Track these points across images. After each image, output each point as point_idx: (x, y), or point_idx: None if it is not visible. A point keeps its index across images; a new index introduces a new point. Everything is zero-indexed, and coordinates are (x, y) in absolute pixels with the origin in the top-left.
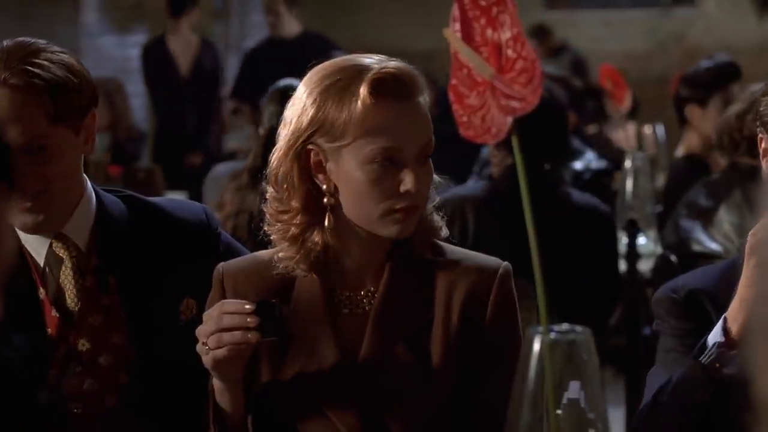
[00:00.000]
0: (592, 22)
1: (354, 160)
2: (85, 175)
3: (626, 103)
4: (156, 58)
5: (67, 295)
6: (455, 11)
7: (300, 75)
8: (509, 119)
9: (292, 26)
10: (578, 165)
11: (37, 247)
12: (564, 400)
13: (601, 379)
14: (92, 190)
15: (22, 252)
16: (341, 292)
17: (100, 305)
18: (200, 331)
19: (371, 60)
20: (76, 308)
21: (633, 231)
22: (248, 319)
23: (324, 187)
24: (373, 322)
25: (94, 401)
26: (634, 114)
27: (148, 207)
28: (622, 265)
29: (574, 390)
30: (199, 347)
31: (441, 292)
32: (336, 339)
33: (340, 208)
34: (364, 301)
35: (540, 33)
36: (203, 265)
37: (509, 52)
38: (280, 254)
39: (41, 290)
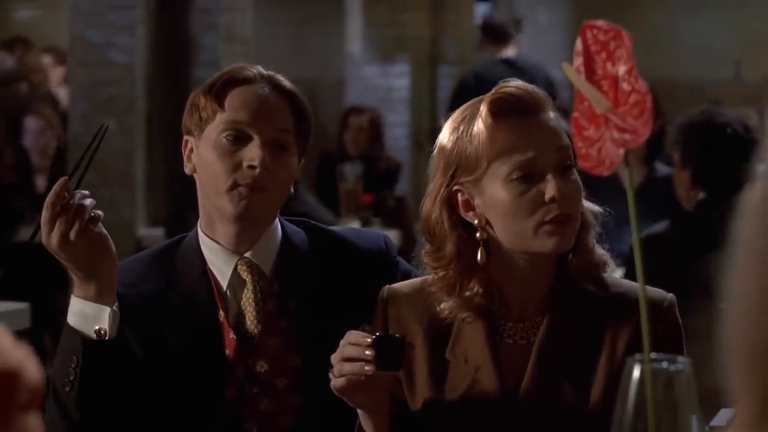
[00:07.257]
0: None
1: (495, 184)
2: None
3: None
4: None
5: (247, 318)
6: (579, 46)
7: None
8: (621, 151)
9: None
10: None
11: (223, 269)
12: None
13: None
14: (278, 219)
15: (206, 274)
16: (505, 322)
17: (279, 329)
18: (332, 357)
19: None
20: (256, 331)
21: None
22: (366, 352)
23: (476, 222)
24: (537, 355)
25: (270, 421)
26: None
27: (329, 236)
28: None
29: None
30: (330, 373)
31: (607, 328)
32: (498, 368)
33: (496, 243)
34: (528, 332)
35: None
36: None
37: (624, 85)
38: (442, 305)
39: (221, 313)
